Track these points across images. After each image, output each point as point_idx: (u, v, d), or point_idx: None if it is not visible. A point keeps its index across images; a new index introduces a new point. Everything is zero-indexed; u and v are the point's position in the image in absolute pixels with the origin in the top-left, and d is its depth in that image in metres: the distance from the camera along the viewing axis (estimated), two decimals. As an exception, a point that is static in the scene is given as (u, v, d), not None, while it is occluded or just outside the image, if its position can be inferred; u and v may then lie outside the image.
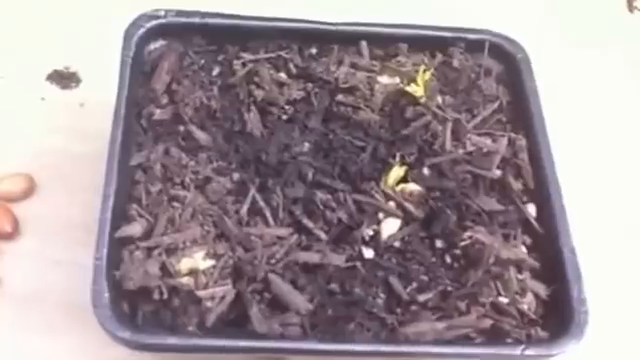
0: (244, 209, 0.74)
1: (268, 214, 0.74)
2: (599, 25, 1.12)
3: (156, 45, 0.85)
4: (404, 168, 0.78)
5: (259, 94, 0.82)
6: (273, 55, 0.86)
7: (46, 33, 1.03)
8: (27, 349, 0.81)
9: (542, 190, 0.80)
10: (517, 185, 0.80)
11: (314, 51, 0.88)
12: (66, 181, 0.90)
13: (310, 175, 0.77)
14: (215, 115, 0.81)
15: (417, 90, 0.83)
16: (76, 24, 1.03)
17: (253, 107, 0.81)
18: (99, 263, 0.67)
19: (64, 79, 0.98)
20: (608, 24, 1.13)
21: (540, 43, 0.94)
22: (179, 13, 0.85)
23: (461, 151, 0.81)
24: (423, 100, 0.83)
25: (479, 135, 0.84)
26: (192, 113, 0.80)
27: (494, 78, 0.88)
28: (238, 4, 0.88)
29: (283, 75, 0.85)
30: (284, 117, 0.82)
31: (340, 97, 0.83)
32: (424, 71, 0.84)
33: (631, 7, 1.20)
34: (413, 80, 0.85)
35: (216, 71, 0.85)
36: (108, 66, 0.81)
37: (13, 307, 0.83)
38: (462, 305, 0.73)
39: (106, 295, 0.67)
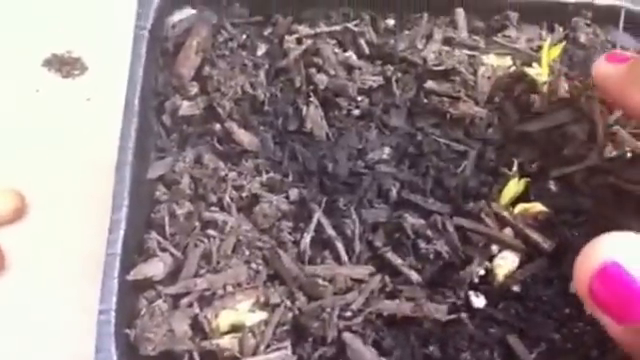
0: (306, 239, 0.63)
1: (340, 246, 0.63)
2: None
3: (182, 15, 0.74)
4: (524, 181, 0.66)
5: (321, 81, 0.71)
6: (338, 28, 0.75)
7: (42, 7, 0.90)
8: None
9: None
10: (678, 204, 0.67)
11: (392, 22, 0.77)
12: (68, 200, 0.78)
13: (394, 191, 0.66)
14: (263, 109, 0.70)
15: (540, 74, 0.70)
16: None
17: (314, 98, 0.70)
18: (104, 319, 0.56)
19: (65, 65, 0.86)
20: None
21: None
22: None
23: (599, 157, 0.68)
24: (545, 87, 0.71)
25: (621, 135, 0.70)
26: (231, 106, 0.69)
27: None
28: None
29: (352, 55, 0.74)
30: (355, 112, 0.71)
31: (431, 84, 0.72)
32: (551, 47, 0.71)
33: None
34: (530, 61, 0.73)
35: (262, 50, 0.74)
36: (122, 50, 0.70)
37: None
38: (617, 378, 0.59)
39: (115, 366, 0.55)
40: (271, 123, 0.69)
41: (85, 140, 0.79)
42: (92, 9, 0.88)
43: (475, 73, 0.72)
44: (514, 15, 0.77)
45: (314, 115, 0.69)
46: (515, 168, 0.67)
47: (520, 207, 0.66)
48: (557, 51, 0.72)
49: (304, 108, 0.69)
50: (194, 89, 0.70)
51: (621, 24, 0.77)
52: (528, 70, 0.71)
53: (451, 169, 0.68)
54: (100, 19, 0.86)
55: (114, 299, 0.57)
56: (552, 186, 0.68)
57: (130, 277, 0.60)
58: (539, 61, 0.72)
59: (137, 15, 0.70)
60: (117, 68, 0.70)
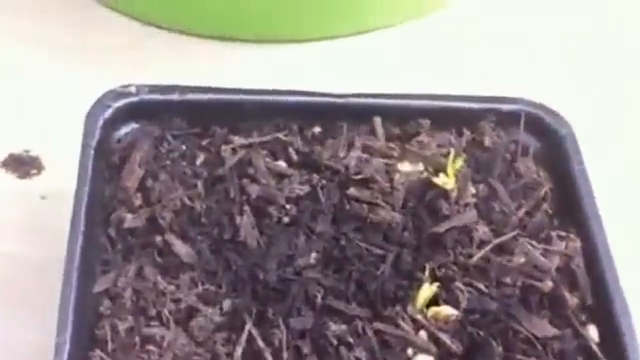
0: (238, 352, 0.59)
1: (269, 357, 0.59)
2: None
3: (127, 129, 0.70)
4: (435, 285, 0.63)
5: (253, 190, 0.68)
6: (269, 138, 0.72)
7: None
8: None
9: (604, 306, 0.65)
10: (573, 300, 0.66)
11: (318, 130, 0.74)
12: (19, 303, 0.71)
13: (319, 297, 0.63)
14: (200, 220, 0.66)
15: (447, 182, 0.68)
16: (40, 96, 0.85)
17: (247, 207, 0.67)
18: None
19: (23, 165, 0.79)
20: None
21: (588, 115, 0.79)
22: (154, 88, 0.71)
23: (505, 258, 0.66)
24: (454, 193, 0.69)
25: (524, 235, 0.69)
26: (172, 217, 0.65)
27: (531, 158, 0.74)
28: (225, 76, 0.76)
29: (282, 163, 0.71)
30: (285, 219, 0.67)
31: (352, 191, 0.69)
32: (455, 158, 0.70)
33: None
34: (439, 167, 0.70)
35: (200, 159, 0.71)
36: (78, 150, 0.67)
37: None
38: None
39: None
40: (207, 233, 0.65)
41: (40, 240, 0.73)
42: (53, 109, 0.82)
43: (392, 180, 0.70)
44: (426, 122, 0.74)
45: (247, 224, 0.66)
46: (427, 273, 0.64)
47: (432, 310, 0.63)
48: (460, 162, 0.70)
49: (238, 218, 0.66)
50: (138, 201, 0.66)
51: (522, 126, 0.75)
52: (435, 180, 0.69)
53: (371, 272, 0.64)
54: (59, 118, 0.81)
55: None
56: (462, 288, 0.65)
57: (73, 399, 0.55)
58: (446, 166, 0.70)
59: (84, 132, 0.65)
60: (73, 166, 0.67)
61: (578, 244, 0.69)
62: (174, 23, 0.91)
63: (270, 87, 0.73)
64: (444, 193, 0.69)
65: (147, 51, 0.89)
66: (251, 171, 0.69)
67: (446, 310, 0.63)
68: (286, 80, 0.76)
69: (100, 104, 0.67)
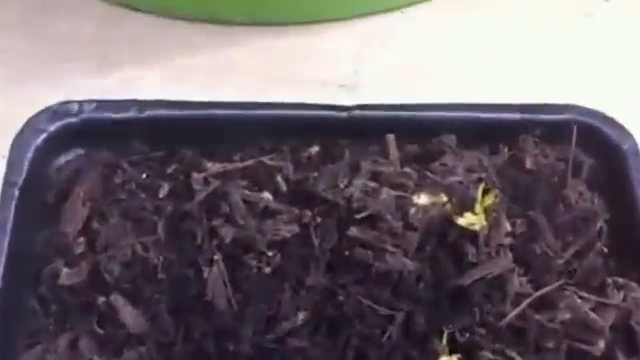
0: None
1: None
2: None
3: (68, 157, 0.58)
4: (456, 357, 0.52)
5: (227, 234, 0.55)
6: (252, 163, 0.60)
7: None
8: None
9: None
10: (631, 366, 0.54)
11: (315, 151, 0.62)
12: None
13: None
14: (156, 274, 0.54)
15: (474, 223, 0.56)
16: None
17: (217, 256, 0.54)
18: None
19: None
20: None
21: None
22: (103, 105, 0.58)
23: (547, 316, 0.55)
24: (484, 232, 0.56)
25: (571, 284, 0.57)
26: (120, 271, 0.54)
27: (584, 181, 0.62)
28: (197, 86, 0.65)
29: (267, 196, 0.58)
30: (266, 270, 0.55)
31: (354, 231, 0.56)
32: (485, 193, 0.56)
33: None
34: (466, 198, 0.57)
35: (164, 191, 0.59)
36: None
37: None
38: None
39: None
40: (165, 292, 0.53)
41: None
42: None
43: (405, 217, 0.57)
44: (452, 138, 0.62)
45: (216, 279, 0.53)
46: (445, 338, 0.52)
47: (451, 388, 0.52)
48: (492, 198, 0.57)
49: (205, 270, 0.54)
50: (79, 248, 0.55)
51: (574, 139, 0.62)
52: (459, 220, 0.56)
53: (375, 337, 0.53)
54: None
55: None
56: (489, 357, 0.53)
57: None
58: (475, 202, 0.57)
59: (7, 166, 0.53)
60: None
61: (639, 294, 0.57)
62: (155, 6, 0.77)
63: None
64: (471, 233, 0.56)
65: (120, 38, 0.76)
66: (225, 208, 0.56)
67: (468, 388, 0.51)
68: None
69: (30, 128, 0.55)
